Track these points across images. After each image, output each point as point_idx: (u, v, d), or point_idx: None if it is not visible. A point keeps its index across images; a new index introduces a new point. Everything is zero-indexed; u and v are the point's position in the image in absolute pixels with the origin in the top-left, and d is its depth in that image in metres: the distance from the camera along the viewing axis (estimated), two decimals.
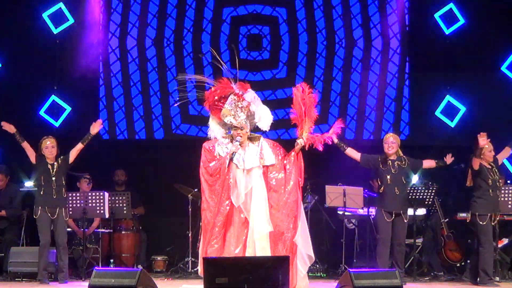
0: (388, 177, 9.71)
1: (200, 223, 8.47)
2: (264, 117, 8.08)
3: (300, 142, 8.03)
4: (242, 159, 7.98)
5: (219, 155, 8.02)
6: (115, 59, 12.37)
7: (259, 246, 7.86)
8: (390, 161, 9.78)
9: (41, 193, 9.78)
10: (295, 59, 12.40)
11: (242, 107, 7.99)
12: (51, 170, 9.81)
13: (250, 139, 8.12)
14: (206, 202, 8.02)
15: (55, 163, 9.86)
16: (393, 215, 9.66)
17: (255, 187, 7.97)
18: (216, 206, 7.94)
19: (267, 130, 8.24)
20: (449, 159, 9.94)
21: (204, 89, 8.35)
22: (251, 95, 8.03)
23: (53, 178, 9.78)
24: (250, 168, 7.98)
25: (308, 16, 12.42)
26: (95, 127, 9.91)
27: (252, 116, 8.06)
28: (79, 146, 9.92)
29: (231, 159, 7.98)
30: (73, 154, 9.93)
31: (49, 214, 9.73)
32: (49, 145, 9.86)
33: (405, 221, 9.73)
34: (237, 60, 8.26)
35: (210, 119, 8.20)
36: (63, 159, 9.91)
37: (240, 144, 7.99)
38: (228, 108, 7.98)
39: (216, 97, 8.05)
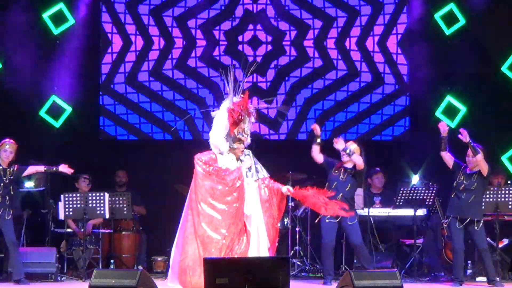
0: (335, 183, 9.73)
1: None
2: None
3: (284, 191, 8.26)
4: (251, 172, 8.21)
5: (225, 167, 8.13)
6: (116, 58, 12.38)
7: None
8: (343, 168, 9.79)
9: None
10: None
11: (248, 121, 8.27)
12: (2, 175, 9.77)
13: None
14: (208, 216, 8.07)
15: (8, 169, 9.78)
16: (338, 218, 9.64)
17: (254, 199, 8.20)
18: (231, 218, 8.05)
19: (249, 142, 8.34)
20: None
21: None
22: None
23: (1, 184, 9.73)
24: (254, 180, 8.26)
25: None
26: (64, 168, 9.82)
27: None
28: (40, 169, 9.86)
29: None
30: (29, 171, 9.86)
31: None
32: (7, 149, 9.78)
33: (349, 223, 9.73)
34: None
35: (218, 134, 8.21)
36: (19, 169, 9.83)
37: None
38: (246, 121, 8.21)
39: (241, 112, 8.19)
